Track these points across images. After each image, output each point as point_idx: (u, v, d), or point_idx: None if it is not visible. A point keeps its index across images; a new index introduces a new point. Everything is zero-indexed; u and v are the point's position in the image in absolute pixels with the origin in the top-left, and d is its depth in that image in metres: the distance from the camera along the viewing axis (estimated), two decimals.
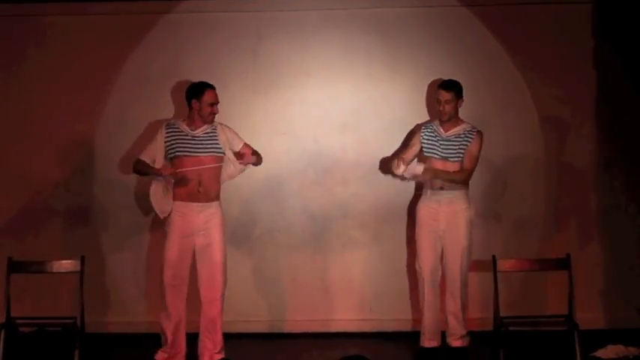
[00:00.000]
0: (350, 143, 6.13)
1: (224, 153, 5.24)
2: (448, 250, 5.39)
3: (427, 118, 5.99)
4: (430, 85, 5.96)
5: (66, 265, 5.45)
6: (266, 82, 6.13)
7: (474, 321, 5.86)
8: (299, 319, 6.10)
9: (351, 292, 6.08)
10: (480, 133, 5.39)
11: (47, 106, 6.12)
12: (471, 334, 5.59)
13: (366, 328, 6.08)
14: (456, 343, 5.49)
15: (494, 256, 5.37)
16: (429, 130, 5.49)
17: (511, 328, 5.18)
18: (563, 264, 5.35)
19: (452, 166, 5.36)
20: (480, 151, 5.34)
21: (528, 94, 6.05)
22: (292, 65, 6.12)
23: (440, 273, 5.47)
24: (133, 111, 5.94)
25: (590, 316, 5.72)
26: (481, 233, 5.92)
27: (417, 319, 5.65)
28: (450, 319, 5.46)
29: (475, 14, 6.02)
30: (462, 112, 5.55)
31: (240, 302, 6.04)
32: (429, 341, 5.52)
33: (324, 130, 6.13)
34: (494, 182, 6.12)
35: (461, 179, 5.36)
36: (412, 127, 5.82)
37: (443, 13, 6.06)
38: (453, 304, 5.41)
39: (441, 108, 5.38)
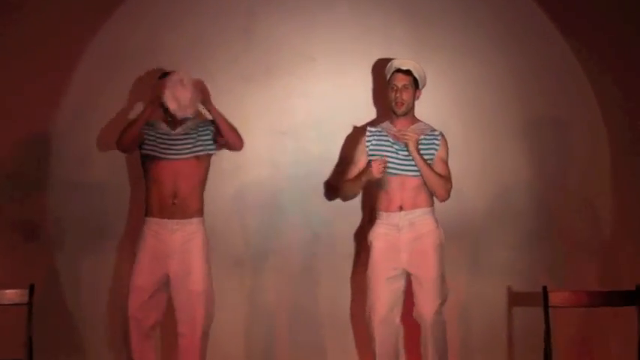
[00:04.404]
0: None
1: (213, 148, 4.93)
2: (415, 286, 4.93)
3: (452, 111, 5.56)
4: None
5: (11, 295, 4.97)
6: (261, 69, 5.69)
7: None
8: None
9: (365, 326, 5.39)
10: (444, 136, 4.96)
11: None
12: None
13: None
14: None
15: (544, 287, 4.88)
16: (377, 135, 4.99)
17: None
18: (633, 298, 4.89)
19: (416, 182, 4.88)
20: (448, 158, 4.94)
21: (588, 86, 5.62)
22: (293, 49, 5.69)
23: (398, 320, 5.00)
24: (97, 100, 5.49)
25: None
26: (527, 259, 5.60)
27: None
28: None
29: None
30: (505, 107, 5.45)
31: (227, 341, 5.56)
32: None
33: (332, 128, 5.67)
34: (544, 193, 5.67)
35: (445, 187, 4.86)
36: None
37: None
38: (426, 353, 4.95)
39: (397, 95, 4.92)
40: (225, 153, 5.43)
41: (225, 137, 4.85)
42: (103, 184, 5.54)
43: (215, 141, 4.90)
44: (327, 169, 5.66)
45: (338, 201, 5.54)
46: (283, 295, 5.66)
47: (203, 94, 4.81)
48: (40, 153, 5.61)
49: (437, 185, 4.83)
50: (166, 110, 4.84)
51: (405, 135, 4.81)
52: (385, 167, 4.83)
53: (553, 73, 5.65)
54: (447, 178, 4.86)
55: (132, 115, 5.27)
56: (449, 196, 4.87)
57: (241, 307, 5.65)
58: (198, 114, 4.93)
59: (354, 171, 5.03)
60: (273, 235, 5.69)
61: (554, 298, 4.87)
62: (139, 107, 5.37)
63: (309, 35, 5.68)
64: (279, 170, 5.67)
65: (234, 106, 5.43)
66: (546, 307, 4.84)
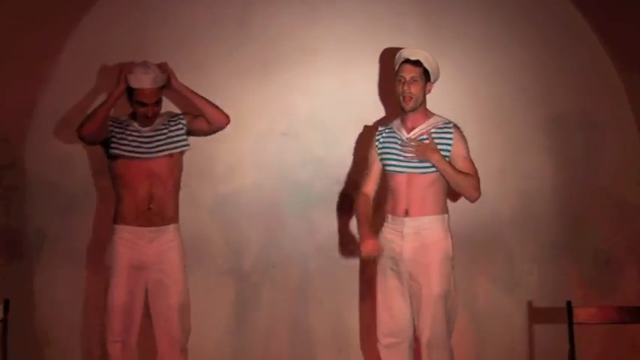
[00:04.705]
0: None
1: (187, 144, 4.77)
2: (414, 302, 4.67)
3: (470, 108, 5.44)
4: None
5: None
6: (257, 64, 5.56)
7: None
8: None
9: (372, 347, 5.21)
10: (458, 128, 4.70)
11: None
12: None
13: None
14: None
15: (569, 303, 4.70)
16: (385, 133, 4.78)
17: None
18: None
19: (424, 181, 4.61)
20: (468, 152, 4.67)
21: (618, 81, 5.46)
22: (293, 41, 5.57)
23: (409, 338, 4.74)
24: (80, 98, 5.33)
25: None
26: (550, 270, 5.51)
27: None
28: None
29: None
30: (527, 103, 5.37)
31: None
32: None
33: (337, 127, 5.55)
34: (569, 196, 5.53)
35: (473, 185, 4.57)
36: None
37: None
38: None
39: (404, 89, 4.64)
40: (219, 154, 5.43)
41: (207, 115, 4.68)
42: (80, 191, 5.44)
43: (190, 133, 4.72)
44: (331, 173, 5.52)
45: (341, 206, 5.50)
46: (281, 313, 5.53)
47: (167, 74, 4.68)
48: (15, 162, 5.49)
49: (464, 186, 4.56)
50: (131, 99, 4.65)
51: (410, 150, 4.55)
52: (377, 253, 4.56)
53: (579, 67, 5.52)
54: (472, 176, 4.57)
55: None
56: (479, 193, 4.60)
57: (233, 325, 5.51)
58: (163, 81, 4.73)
59: (367, 180, 4.79)
60: (271, 246, 5.57)
61: (580, 314, 4.68)
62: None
63: (310, 26, 5.55)
64: (278, 174, 5.54)
65: (229, 104, 5.15)
66: (571, 324, 4.65)
